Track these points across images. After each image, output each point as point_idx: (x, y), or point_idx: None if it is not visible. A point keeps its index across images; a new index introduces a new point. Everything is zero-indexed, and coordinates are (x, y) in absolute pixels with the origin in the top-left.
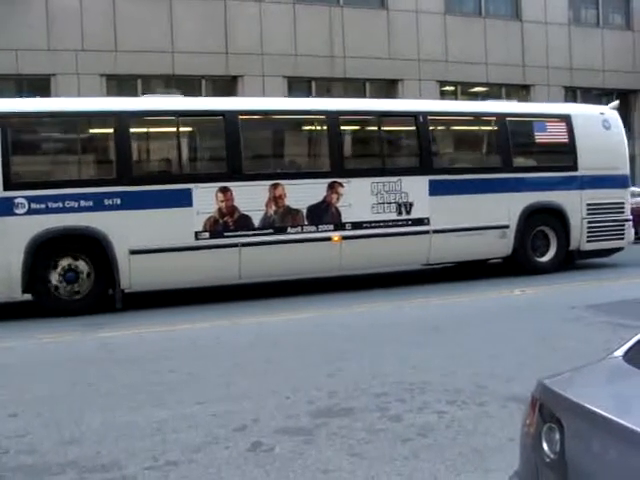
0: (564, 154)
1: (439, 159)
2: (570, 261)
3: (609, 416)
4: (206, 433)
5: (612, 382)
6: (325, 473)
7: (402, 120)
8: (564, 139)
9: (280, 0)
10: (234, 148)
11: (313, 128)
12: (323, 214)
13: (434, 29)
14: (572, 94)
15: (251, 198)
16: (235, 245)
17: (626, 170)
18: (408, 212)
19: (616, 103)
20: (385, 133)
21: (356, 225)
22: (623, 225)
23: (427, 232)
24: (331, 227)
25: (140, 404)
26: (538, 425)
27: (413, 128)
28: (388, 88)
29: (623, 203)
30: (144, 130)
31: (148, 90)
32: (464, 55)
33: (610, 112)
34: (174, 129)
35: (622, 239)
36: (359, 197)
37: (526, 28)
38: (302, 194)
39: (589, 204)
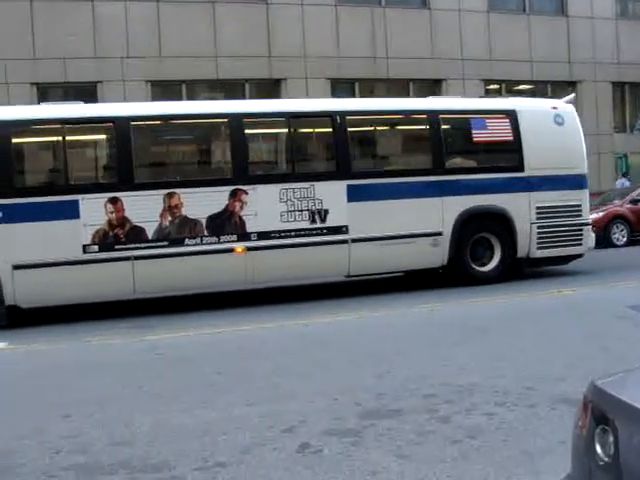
0: (508, 153)
1: (359, 162)
2: (518, 270)
3: None
4: (254, 434)
5: None
6: (374, 475)
7: (316, 121)
8: (508, 137)
9: (322, 2)
10: (125, 156)
11: (213, 132)
12: (225, 224)
13: (477, 27)
14: (620, 89)
15: (144, 208)
16: (127, 258)
17: (583, 169)
18: (323, 220)
19: (571, 97)
20: (296, 135)
21: (263, 235)
22: (581, 230)
23: (345, 241)
24: (234, 238)
25: (189, 406)
26: (590, 427)
27: (329, 129)
28: (432, 88)
29: (580, 205)
30: (27, 140)
31: (193, 95)
32: (508, 53)
33: (564, 106)
34: (59, 138)
35: (580, 245)
36: (266, 205)
37: (572, 23)
38: (201, 203)
39: (539, 207)
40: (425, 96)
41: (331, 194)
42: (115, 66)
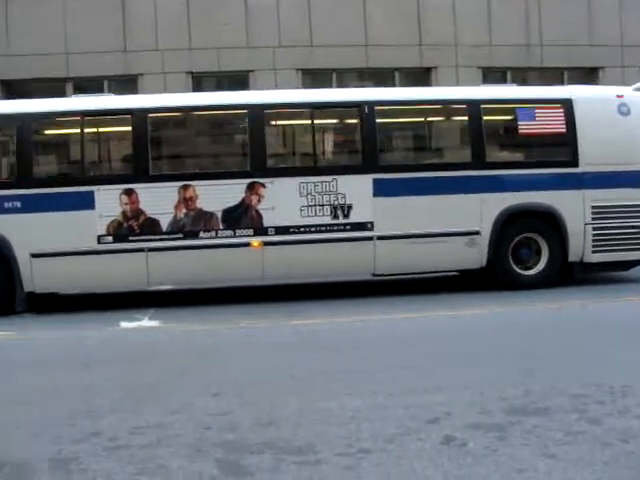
0: (560, 146)
1: (387, 155)
2: (570, 275)
3: None
4: (399, 424)
5: None
6: (519, 472)
7: (341, 112)
8: (560, 129)
9: None
10: (140, 148)
11: (231, 124)
12: (241, 218)
13: None
14: None
15: (159, 200)
16: (141, 250)
17: None
18: (346, 215)
19: None
20: (319, 127)
21: (280, 230)
22: None
23: (370, 238)
24: (250, 232)
25: (335, 391)
26: None
27: (355, 120)
28: (587, 76)
29: None
30: (45, 132)
31: (342, 83)
32: None
33: (632, 95)
34: (77, 130)
35: None
36: (284, 199)
37: None
38: (217, 196)
39: (595, 207)
40: (579, 84)
41: (356, 188)
42: (267, 55)
